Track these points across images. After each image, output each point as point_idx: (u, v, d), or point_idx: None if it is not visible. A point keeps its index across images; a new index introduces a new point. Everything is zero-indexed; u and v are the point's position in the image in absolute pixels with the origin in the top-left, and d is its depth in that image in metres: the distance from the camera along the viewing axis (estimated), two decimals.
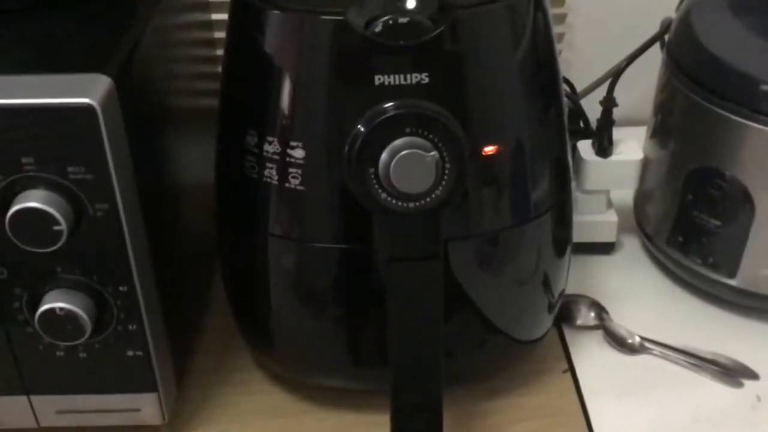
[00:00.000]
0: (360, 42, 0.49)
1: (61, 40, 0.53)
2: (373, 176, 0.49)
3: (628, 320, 0.71)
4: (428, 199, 0.49)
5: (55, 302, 0.50)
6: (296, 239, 0.54)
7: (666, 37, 0.73)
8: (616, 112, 0.74)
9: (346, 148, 0.50)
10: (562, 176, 0.58)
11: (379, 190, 0.49)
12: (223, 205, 0.58)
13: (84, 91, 0.46)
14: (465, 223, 0.54)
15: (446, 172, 0.49)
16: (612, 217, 0.77)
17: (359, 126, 0.49)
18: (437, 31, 0.49)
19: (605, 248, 0.78)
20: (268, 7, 0.51)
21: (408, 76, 0.49)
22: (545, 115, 0.55)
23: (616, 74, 0.73)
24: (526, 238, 0.57)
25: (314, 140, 0.51)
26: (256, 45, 0.52)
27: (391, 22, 0.49)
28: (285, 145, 0.52)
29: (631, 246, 0.80)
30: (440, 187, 0.49)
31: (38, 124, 0.46)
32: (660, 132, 0.74)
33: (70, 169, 0.47)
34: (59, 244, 0.48)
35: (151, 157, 0.56)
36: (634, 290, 0.75)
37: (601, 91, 0.74)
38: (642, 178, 0.76)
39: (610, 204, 0.78)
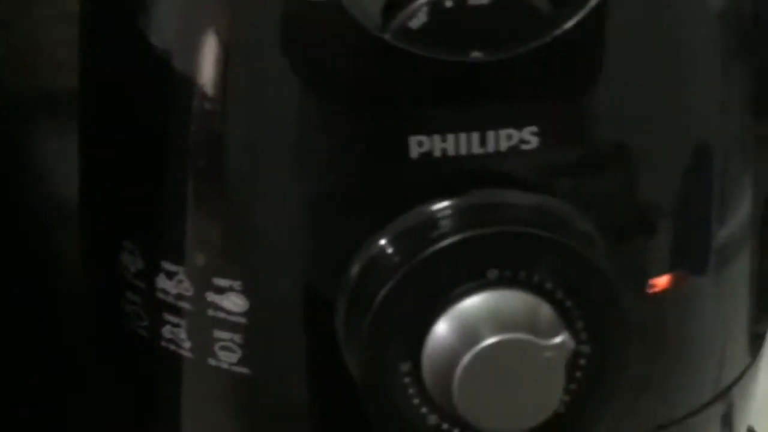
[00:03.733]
0: (372, 55, 0.20)
1: None
2: (408, 381, 0.21)
3: None
4: (533, 428, 0.21)
5: None
6: None
7: None
8: None
9: (344, 313, 0.21)
10: (765, 306, 0.30)
11: (423, 410, 0.21)
12: (102, 367, 0.29)
13: None
14: None
15: (580, 373, 0.21)
16: None
17: (375, 262, 0.21)
18: (567, 26, 0.20)
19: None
20: None
21: (491, 135, 0.21)
22: (758, 204, 0.26)
23: None
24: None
25: (269, 278, 0.23)
26: (137, 54, 0.23)
27: (450, 3, 0.20)
28: (205, 283, 0.23)
29: None
30: (563, 404, 0.21)
31: None
32: None
33: None
34: None
35: None
36: None
37: None
38: None
39: None
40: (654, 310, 0.25)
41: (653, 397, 0.27)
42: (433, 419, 0.21)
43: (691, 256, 0.25)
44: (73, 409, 0.38)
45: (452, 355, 0.20)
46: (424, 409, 0.21)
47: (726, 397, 0.28)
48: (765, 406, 0.48)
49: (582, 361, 0.21)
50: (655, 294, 0.24)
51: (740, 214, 0.27)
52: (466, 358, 0.20)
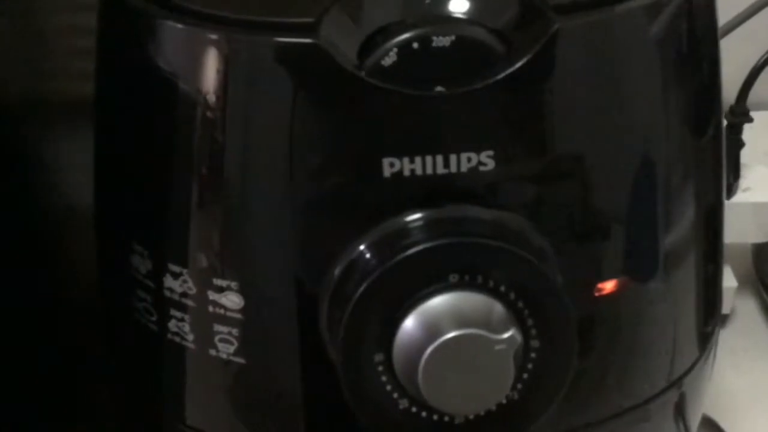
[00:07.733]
0: (350, 89, 0.23)
1: None
2: (381, 369, 0.24)
3: None
4: (492, 412, 0.24)
5: None
6: None
7: None
8: None
9: (327, 309, 0.24)
10: (711, 308, 0.33)
11: (395, 395, 0.24)
12: (114, 358, 0.33)
13: None
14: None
15: (530, 364, 0.24)
16: (729, 281, 0.52)
17: (353, 265, 0.24)
18: (519, 64, 0.23)
19: None
20: (160, 15, 0.25)
21: (453, 158, 0.24)
22: (700, 214, 0.30)
23: (752, 73, 0.47)
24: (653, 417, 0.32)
25: (261, 279, 0.26)
26: (142, 87, 0.26)
27: (416, 45, 0.23)
28: (206, 283, 0.26)
29: (749, 315, 0.55)
30: (516, 391, 0.24)
31: None
32: None
33: None
34: None
35: None
36: (763, 387, 0.51)
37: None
38: None
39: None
40: (609, 311, 0.29)
41: (614, 384, 0.30)
42: (404, 403, 0.25)
43: (638, 263, 0.28)
44: (82, 397, 0.42)
45: (418, 347, 0.23)
46: (395, 395, 0.24)
47: (678, 386, 0.31)
48: (731, 404, 0.51)
49: (533, 354, 0.24)
50: (605, 296, 0.27)
51: (684, 223, 0.30)
52: (430, 350, 0.23)
